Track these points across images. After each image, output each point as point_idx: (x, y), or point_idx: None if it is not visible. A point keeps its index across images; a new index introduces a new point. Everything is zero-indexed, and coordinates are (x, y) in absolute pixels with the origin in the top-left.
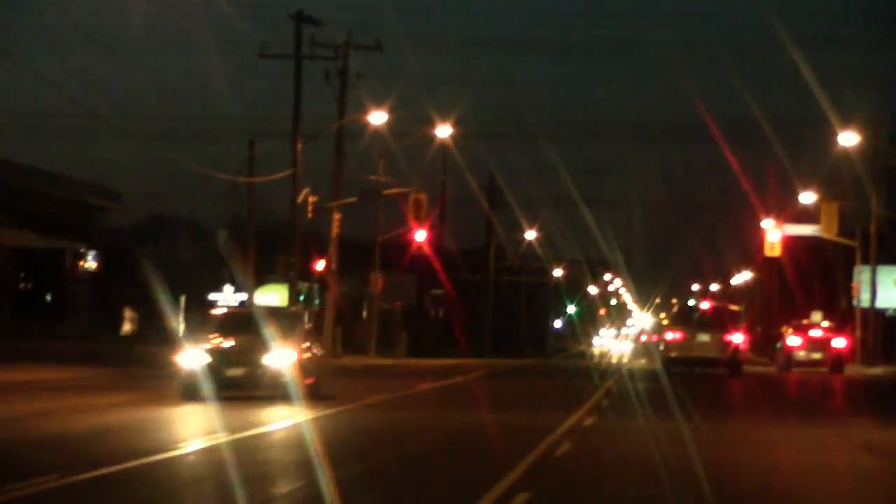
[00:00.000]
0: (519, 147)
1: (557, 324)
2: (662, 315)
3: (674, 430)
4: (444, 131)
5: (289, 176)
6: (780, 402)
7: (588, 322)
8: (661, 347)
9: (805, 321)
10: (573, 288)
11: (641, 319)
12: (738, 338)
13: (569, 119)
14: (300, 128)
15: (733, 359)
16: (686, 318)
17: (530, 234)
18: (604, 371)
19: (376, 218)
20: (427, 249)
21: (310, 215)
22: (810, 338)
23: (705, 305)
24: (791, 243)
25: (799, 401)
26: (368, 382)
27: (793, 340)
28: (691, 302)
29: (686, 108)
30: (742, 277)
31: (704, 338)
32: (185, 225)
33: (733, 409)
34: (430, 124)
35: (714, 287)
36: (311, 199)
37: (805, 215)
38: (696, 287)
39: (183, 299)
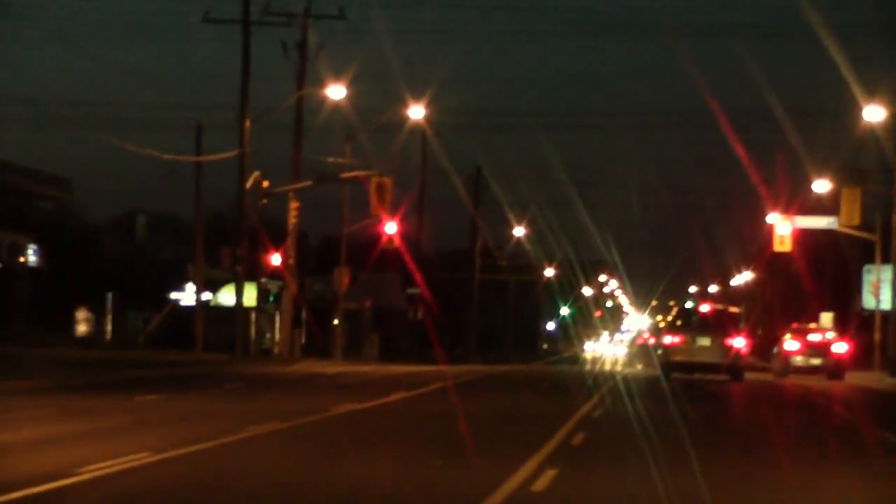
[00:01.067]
0: (508, 139)
1: (550, 326)
2: (660, 318)
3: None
4: (417, 112)
5: (235, 157)
6: (811, 428)
7: (582, 324)
8: (660, 352)
9: (813, 325)
10: (567, 289)
11: (638, 322)
12: (739, 342)
13: (562, 108)
14: (249, 103)
15: (735, 364)
16: (685, 322)
17: (519, 231)
18: (594, 380)
19: (343, 207)
20: (398, 243)
21: (261, 202)
22: (809, 342)
23: (705, 308)
24: (801, 239)
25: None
26: (266, 400)
27: (791, 345)
28: (689, 304)
29: (687, 97)
30: (742, 278)
31: (705, 342)
32: (162, 220)
33: (758, 443)
34: (404, 105)
35: (713, 288)
36: (263, 183)
37: (818, 207)
38: (693, 289)
39: (110, 297)
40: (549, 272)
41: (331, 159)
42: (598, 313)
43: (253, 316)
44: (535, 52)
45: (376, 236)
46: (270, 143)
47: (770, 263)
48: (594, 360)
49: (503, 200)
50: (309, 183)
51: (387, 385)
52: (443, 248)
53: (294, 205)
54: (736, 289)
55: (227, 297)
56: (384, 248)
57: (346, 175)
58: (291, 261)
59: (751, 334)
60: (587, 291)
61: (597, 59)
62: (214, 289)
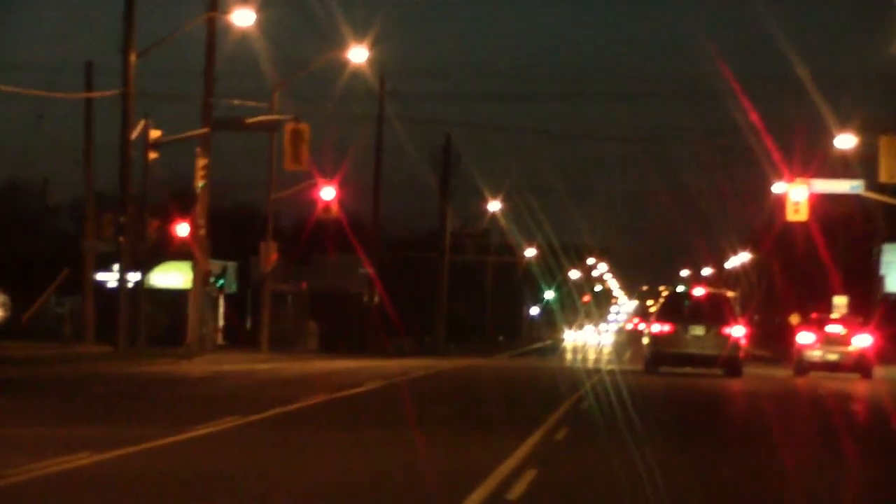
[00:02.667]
0: (485, 110)
1: (534, 311)
2: (651, 303)
3: None
4: (358, 55)
5: (118, 97)
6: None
7: (569, 310)
8: (647, 342)
9: (835, 314)
10: (552, 273)
11: (627, 307)
12: (738, 331)
13: (545, 74)
14: (135, 31)
15: (732, 357)
16: (676, 307)
17: (494, 206)
18: (571, 380)
19: (270, 166)
20: (336, 212)
21: (152, 155)
22: (826, 334)
23: (699, 292)
24: (816, 207)
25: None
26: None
27: (804, 337)
28: (681, 288)
29: (679, 60)
30: (738, 260)
31: (698, 331)
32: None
33: None
34: (344, 49)
35: (706, 271)
36: (152, 132)
37: (836, 171)
38: (685, 273)
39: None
40: (530, 252)
41: (249, 103)
42: (586, 298)
43: (190, 301)
44: (519, 6)
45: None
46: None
47: (778, 239)
48: (575, 351)
49: (477, 175)
50: (204, 130)
51: (253, 398)
52: (422, 230)
53: (202, 162)
54: (731, 272)
55: (161, 277)
56: (321, 219)
57: (251, 121)
58: (202, 231)
59: (750, 322)
60: (574, 275)
61: (583, 22)
62: (147, 268)
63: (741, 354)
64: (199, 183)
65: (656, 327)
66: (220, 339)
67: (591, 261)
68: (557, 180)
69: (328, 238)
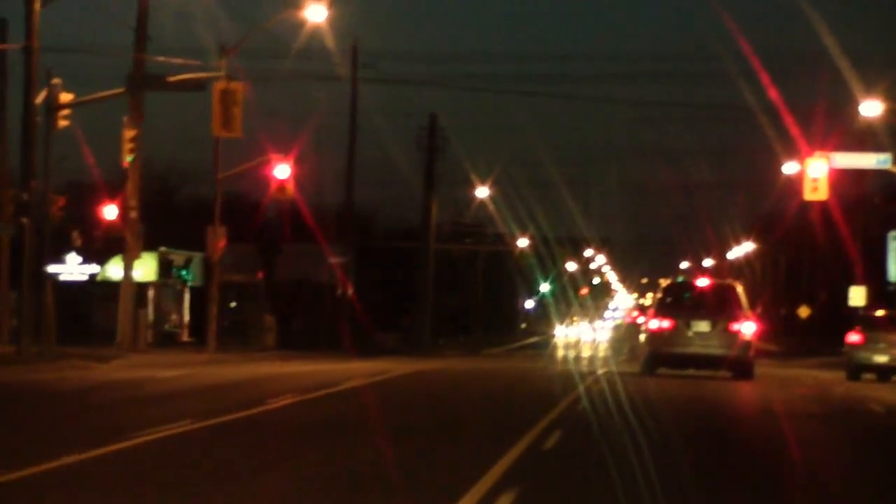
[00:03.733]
0: (477, 97)
1: (529, 304)
2: (650, 296)
3: None
4: (315, 13)
5: (20, 52)
6: None
7: (565, 303)
8: (644, 339)
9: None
10: (548, 264)
11: (626, 301)
12: (748, 327)
13: (538, 52)
14: None
15: (742, 357)
16: (677, 301)
17: (483, 192)
18: (549, 392)
19: (215, 142)
20: (291, 191)
21: (61, 122)
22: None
23: (703, 283)
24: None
25: None
26: None
27: (854, 336)
28: (682, 279)
29: (689, 37)
30: (742, 250)
31: (702, 327)
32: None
33: None
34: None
35: (708, 262)
36: (62, 96)
37: (859, 144)
38: (685, 265)
39: None
40: (523, 242)
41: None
42: (584, 291)
43: (151, 293)
44: None
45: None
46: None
47: (789, 224)
48: (567, 348)
49: (466, 160)
50: (118, 91)
51: (96, 424)
52: (416, 220)
53: (130, 133)
54: (735, 262)
55: (117, 270)
56: (275, 199)
57: (174, 79)
58: (133, 214)
59: (762, 316)
60: (571, 267)
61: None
62: (103, 260)
63: (752, 354)
64: (128, 157)
65: (654, 323)
66: (185, 336)
67: (588, 252)
68: (554, 168)
69: (286, 223)
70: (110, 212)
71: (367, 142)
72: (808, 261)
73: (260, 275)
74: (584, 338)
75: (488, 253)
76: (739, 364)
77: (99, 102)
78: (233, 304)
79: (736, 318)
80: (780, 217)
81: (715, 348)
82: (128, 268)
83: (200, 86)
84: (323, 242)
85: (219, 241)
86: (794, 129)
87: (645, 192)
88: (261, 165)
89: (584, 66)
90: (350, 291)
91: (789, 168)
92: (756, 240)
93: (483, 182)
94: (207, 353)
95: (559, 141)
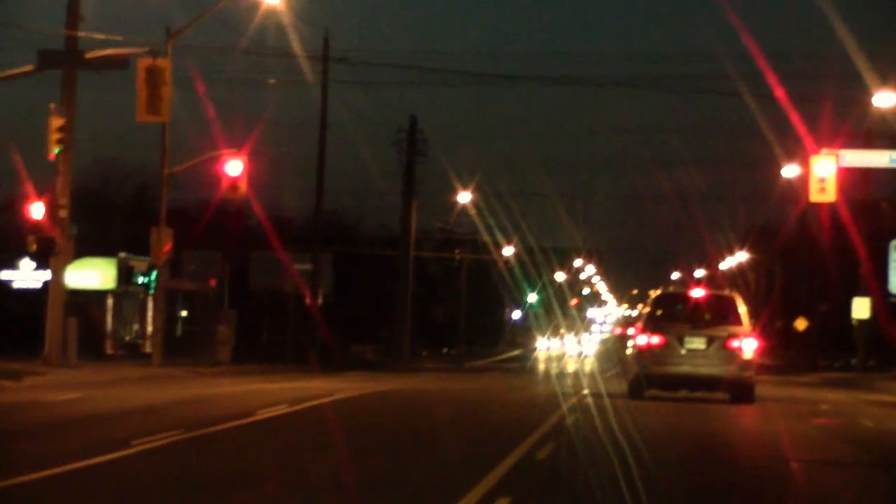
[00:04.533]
0: (452, 95)
1: (516, 315)
2: (641, 307)
3: None
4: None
5: None
6: None
7: (553, 314)
8: (631, 356)
9: None
10: (535, 274)
11: (612, 313)
12: (749, 344)
13: (522, 51)
14: None
15: (742, 377)
16: (668, 313)
17: (464, 197)
18: (521, 420)
19: (163, 137)
20: (244, 190)
21: None
22: None
23: (698, 293)
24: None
25: None
26: None
27: None
28: (674, 289)
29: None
30: (735, 260)
31: (697, 343)
32: None
33: None
34: None
35: (700, 273)
36: None
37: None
38: (676, 275)
39: None
40: (508, 251)
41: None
42: (574, 301)
43: (110, 302)
44: None
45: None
46: None
47: (796, 228)
48: (549, 363)
49: (449, 166)
50: (28, 68)
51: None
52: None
53: (56, 122)
54: (727, 273)
55: (74, 276)
56: (227, 198)
57: (92, 55)
58: (63, 213)
59: (764, 331)
60: (560, 277)
61: None
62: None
63: (752, 374)
64: (55, 149)
65: (643, 339)
66: (149, 347)
67: (578, 262)
68: (543, 177)
69: (237, 226)
70: (37, 210)
71: (347, 146)
72: (807, 270)
73: (212, 282)
74: (569, 351)
75: (474, 262)
76: (738, 385)
77: (11, 82)
78: (184, 314)
79: (735, 334)
80: (778, 224)
81: (711, 367)
82: (56, 272)
83: (123, 63)
84: (280, 251)
85: (164, 244)
86: (799, 128)
87: (637, 200)
88: (211, 161)
89: (577, 67)
90: (318, 301)
91: (789, 171)
92: (750, 249)
93: (466, 188)
94: (151, 367)
95: (550, 148)
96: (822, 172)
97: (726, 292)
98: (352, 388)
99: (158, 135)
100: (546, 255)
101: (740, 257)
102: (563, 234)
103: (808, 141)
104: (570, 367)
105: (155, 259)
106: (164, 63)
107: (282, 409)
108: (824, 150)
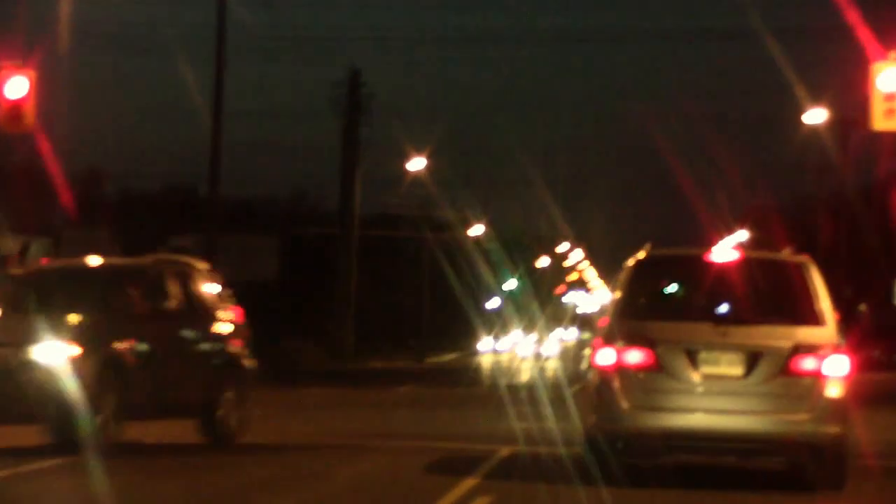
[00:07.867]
0: (428, 58)
1: (494, 303)
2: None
3: None
4: None
5: None
6: None
7: (536, 301)
8: (593, 389)
9: None
10: (516, 259)
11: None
12: (836, 364)
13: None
14: None
15: (819, 434)
16: (661, 300)
17: (419, 163)
18: None
19: None
20: (32, 121)
21: None
22: None
23: (726, 255)
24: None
25: None
26: None
27: None
28: (677, 251)
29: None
30: (735, 239)
31: (726, 364)
32: None
33: None
34: None
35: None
36: None
37: None
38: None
39: None
40: (478, 230)
41: None
42: (560, 288)
43: None
44: None
45: None
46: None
47: (835, 184)
48: (493, 376)
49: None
50: None
51: None
52: (372, 211)
53: None
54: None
55: None
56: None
57: None
58: None
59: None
60: (544, 262)
61: None
62: None
63: (842, 425)
64: None
65: (607, 355)
66: None
67: (564, 246)
68: (525, 156)
69: (25, 179)
70: None
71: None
72: (846, 242)
73: (45, 261)
74: (522, 353)
75: (440, 243)
76: (815, 451)
77: None
78: None
79: (808, 345)
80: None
81: (756, 416)
82: None
83: None
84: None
85: None
86: (861, 31)
87: (628, 171)
88: None
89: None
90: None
91: (812, 116)
92: (750, 227)
93: (420, 152)
94: None
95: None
96: (887, 87)
97: (788, 255)
98: None
99: None
100: (531, 237)
101: (741, 236)
102: (548, 213)
103: (867, 42)
104: (523, 377)
105: None
106: None
107: None
108: (893, 54)
